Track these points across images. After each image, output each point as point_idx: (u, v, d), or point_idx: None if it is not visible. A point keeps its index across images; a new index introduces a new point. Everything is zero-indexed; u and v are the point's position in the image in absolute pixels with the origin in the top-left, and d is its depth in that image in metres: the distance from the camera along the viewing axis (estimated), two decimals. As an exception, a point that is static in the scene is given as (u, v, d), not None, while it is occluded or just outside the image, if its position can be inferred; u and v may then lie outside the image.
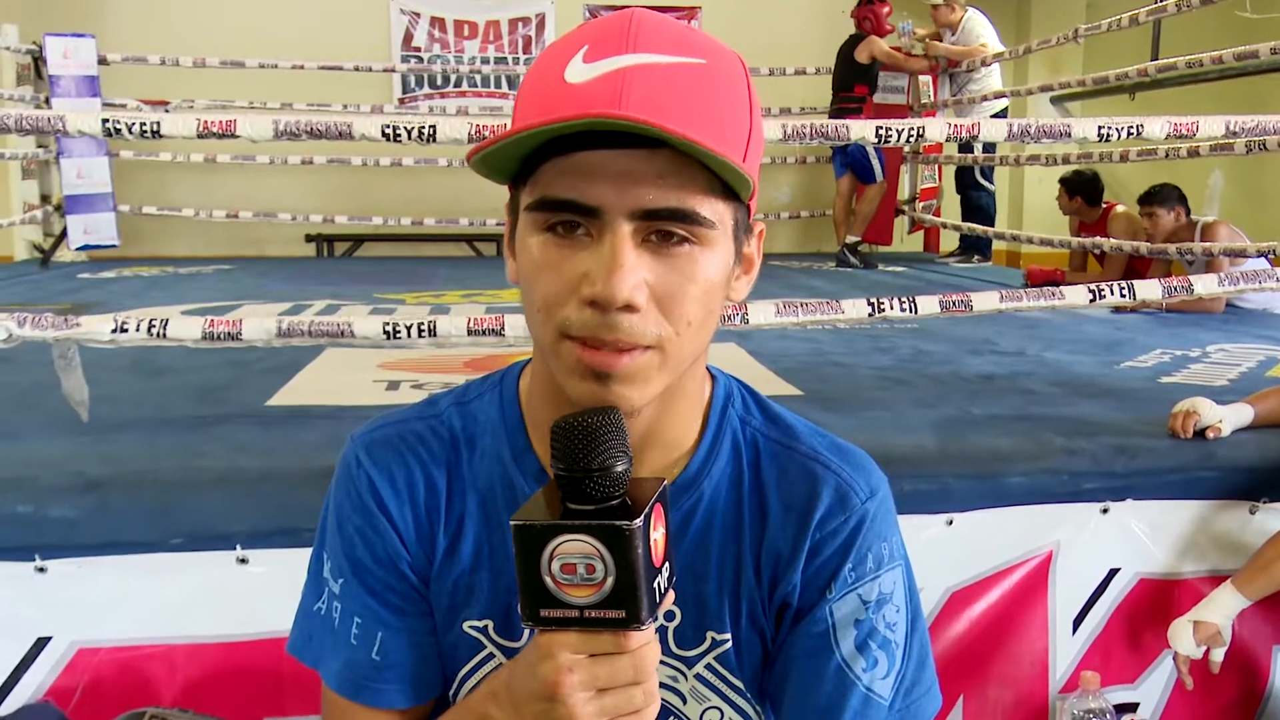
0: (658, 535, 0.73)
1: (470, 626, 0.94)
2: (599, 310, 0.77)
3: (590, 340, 0.78)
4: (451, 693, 0.97)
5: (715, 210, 0.79)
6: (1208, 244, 4.19)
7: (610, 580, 0.70)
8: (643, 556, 0.70)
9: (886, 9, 6.10)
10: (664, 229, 0.78)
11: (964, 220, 6.39)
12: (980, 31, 6.20)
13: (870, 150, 6.01)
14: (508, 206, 0.86)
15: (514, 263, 0.86)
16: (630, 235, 0.77)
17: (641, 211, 0.77)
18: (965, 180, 6.46)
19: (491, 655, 0.95)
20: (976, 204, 6.43)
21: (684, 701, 0.94)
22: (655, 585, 0.72)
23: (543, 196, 0.78)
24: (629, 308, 0.77)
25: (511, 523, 0.71)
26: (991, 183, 6.47)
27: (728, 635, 0.93)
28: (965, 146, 6.09)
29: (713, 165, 0.76)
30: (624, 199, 0.76)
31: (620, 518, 0.70)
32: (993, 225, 6.42)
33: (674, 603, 0.89)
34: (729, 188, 0.80)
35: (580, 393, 0.81)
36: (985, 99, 5.97)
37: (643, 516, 0.70)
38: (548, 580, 0.71)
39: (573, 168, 0.77)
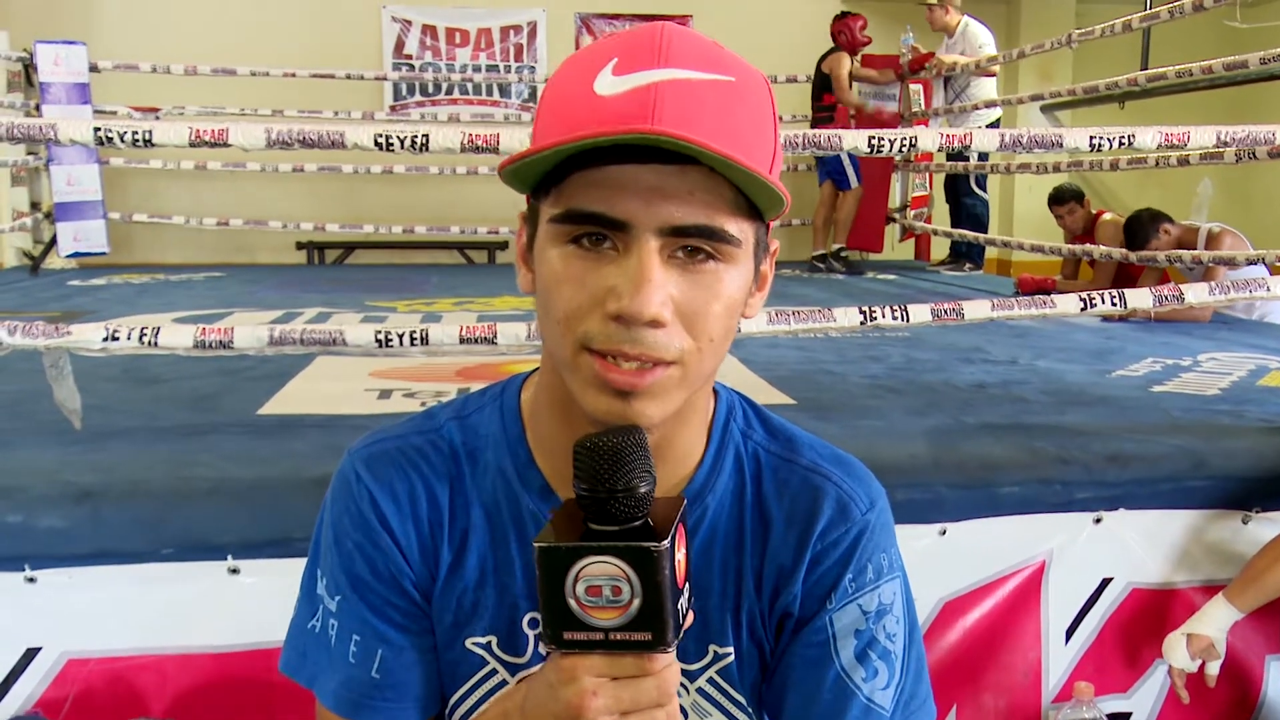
0: (680, 556, 0.72)
1: (473, 643, 0.93)
2: (623, 324, 0.77)
3: (613, 353, 0.78)
4: (447, 712, 0.96)
5: (741, 229, 0.79)
6: (1203, 252, 4.21)
7: (637, 602, 0.69)
8: (669, 578, 0.69)
9: (860, 23, 6.21)
10: (691, 245, 0.78)
11: (957, 228, 6.41)
12: (984, 40, 6.23)
13: (845, 158, 6.10)
14: (523, 215, 0.85)
15: (528, 273, 0.85)
16: (658, 251, 0.76)
17: (670, 228, 0.76)
18: (959, 188, 6.47)
19: (494, 672, 0.94)
20: (970, 212, 6.43)
21: (685, 716, 0.93)
22: (679, 606, 0.71)
23: (569, 208, 0.77)
24: (655, 323, 0.77)
25: (535, 545, 0.70)
26: (985, 191, 6.48)
27: (730, 649, 0.93)
28: (958, 155, 6.11)
29: (748, 184, 0.76)
30: (653, 214, 0.76)
31: (647, 539, 0.69)
32: (985, 233, 6.44)
33: None
34: (753, 206, 0.79)
35: (598, 407, 0.80)
36: (978, 108, 5.98)
37: (670, 538, 0.69)
38: (572, 603, 0.69)
39: (601, 180, 0.76)
